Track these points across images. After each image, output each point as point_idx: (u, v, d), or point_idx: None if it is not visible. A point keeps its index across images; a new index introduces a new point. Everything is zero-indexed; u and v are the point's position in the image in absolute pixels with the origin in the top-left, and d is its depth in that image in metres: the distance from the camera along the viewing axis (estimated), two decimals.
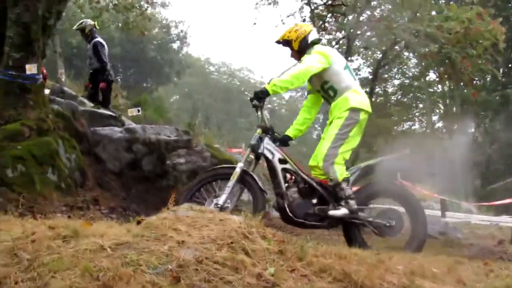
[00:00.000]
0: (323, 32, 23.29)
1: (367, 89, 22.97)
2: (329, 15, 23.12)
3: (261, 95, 7.46)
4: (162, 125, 14.62)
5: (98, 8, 21.75)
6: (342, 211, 7.48)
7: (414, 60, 31.42)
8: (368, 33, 23.32)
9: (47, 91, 12.96)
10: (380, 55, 24.27)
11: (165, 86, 52.57)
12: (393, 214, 7.81)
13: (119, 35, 38.34)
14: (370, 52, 28.47)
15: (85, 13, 24.51)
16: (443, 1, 27.26)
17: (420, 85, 35.88)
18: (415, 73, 34.44)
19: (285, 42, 8.10)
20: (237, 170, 7.55)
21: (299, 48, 7.95)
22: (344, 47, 23.19)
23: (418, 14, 19.55)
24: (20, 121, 10.29)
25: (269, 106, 8.07)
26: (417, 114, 41.33)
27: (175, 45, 51.48)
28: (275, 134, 8.08)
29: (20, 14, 10.93)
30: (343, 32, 23.05)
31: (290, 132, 8.29)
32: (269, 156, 7.72)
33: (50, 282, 4.09)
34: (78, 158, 10.96)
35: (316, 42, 8.09)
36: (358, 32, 22.61)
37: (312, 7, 22.99)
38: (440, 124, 40.99)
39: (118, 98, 22.91)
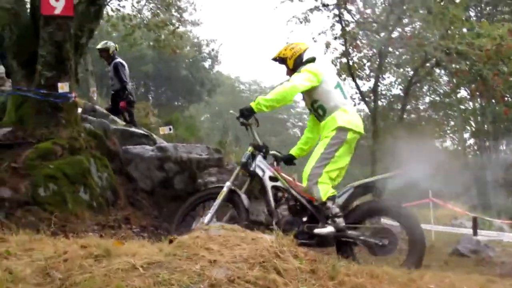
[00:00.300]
0: (355, 50, 23.26)
1: (399, 106, 22.90)
2: (360, 32, 23.06)
3: (246, 113, 7.58)
4: (193, 144, 14.64)
5: (130, 26, 21.88)
6: (328, 229, 7.43)
7: (445, 78, 31.28)
8: (400, 51, 23.24)
9: (79, 110, 13.05)
10: (412, 73, 24.16)
11: (196, 105, 52.69)
12: (387, 233, 7.69)
13: (151, 53, 38.54)
14: (401, 70, 28.37)
15: (117, 32, 24.68)
16: (474, 18, 27.17)
17: (451, 102, 35.71)
18: (447, 90, 34.28)
19: (281, 59, 8.17)
20: (224, 190, 7.71)
21: (294, 66, 8.00)
22: (376, 64, 23.12)
23: (449, 31, 19.49)
24: (52, 140, 10.38)
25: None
26: (448, 131, 41.17)
27: (207, 64, 51.65)
28: (277, 153, 8.28)
29: (53, 33, 11.03)
30: (374, 49, 23.00)
31: (293, 151, 8.35)
32: (260, 173, 7.81)
33: None
34: (110, 177, 11.01)
35: (311, 60, 8.08)
36: (390, 49, 22.54)
37: (343, 25, 22.95)
38: (471, 141, 40.80)
39: (149, 116, 23.02)
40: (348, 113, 7.66)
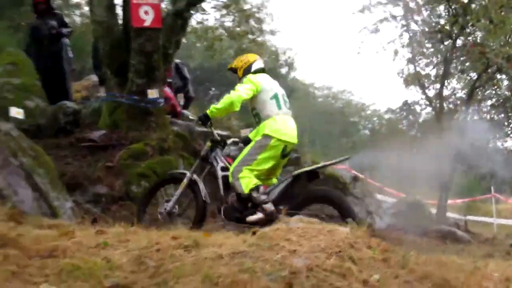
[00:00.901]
0: (421, 57, 23.09)
1: (463, 108, 22.64)
2: (426, 41, 22.89)
3: (204, 119, 7.95)
4: None
5: (213, 37, 22.05)
6: (257, 216, 7.61)
7: (506, 82, 30.81)
8: (463, 58, 22.98)
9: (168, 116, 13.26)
10: (475, 77, 23.81)
11: None
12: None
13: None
14: (465, 75, 28.05)
15: (201, 43, 24.89)
16: None
17: None
18: (507, 94, 33.75)
19: (233, 69, 8.54)
20: (184, 181, 8.16)
21: (243, 75, 8.26)
22: (440, 71, 22.90)
23: (509, 39, 19.17)
24: (143, 142, 10.56)
25: None
26: (509, 132, 40.44)
27: (283, 71, 51.66)
28: (236, 139, 8.81)
29: (143, 44, 11.23)
30: (439, 56, 22.80)
31: (251, 134, 8.46)
32: (214, 164, 8.19)
33: (174, 287, 4.18)
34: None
35: (259, 71, 8.35)
36: (454, 56, 22.32)
37: (411, 34, 22.83)
38: None
39: (231, 119, 23.11)
40: (277, 123, 7.86)
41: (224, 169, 8.08)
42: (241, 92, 7.78)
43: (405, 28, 22.76)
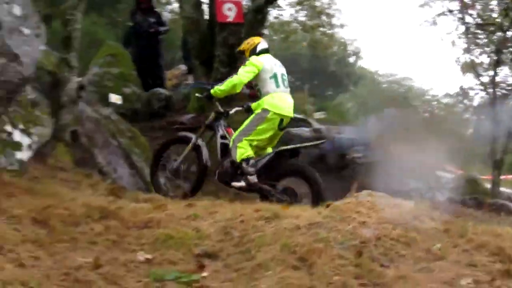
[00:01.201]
0: (476, 47, 22.85)
1: None
2: (481, 32, 22.63)
3: (208, 97, 8.19)
4: (342, 127, 14.57)
5: (288, 31, 22.11)
6: (240, 184, 7.81)
7: None
8: None
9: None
10: None
11: (343, 95, 52.53)
12: (292, 192, 7.88)
13: (306, 52, 38.70)
14: None
15: (278, 36, 24.93)
16: None
17: None
18: None
19: (241, 52, 8.58)
20: (190, 145, 8.22)
21: (250, 56, 8.30)
22: (493, 59, 22.61)
23: None
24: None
25: None
26: None
27: (351, 60, 51.36)
28: (239, 108, 8.54)
29: (227, 37, 11.38)
30: (492, 46, 22.53)
31: (252, 105, 8.44)
32: (216, 132, 8.29)
33: (256, 255, 4.22)
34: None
35: (263, 51, 8.40)
36: (505, 46, 21.99)
37: (466, 26, 22.62)
38: None
39: (306, 104, 23.12)
40: (275, 98, 7.97)
41: (223, 137, 8.23)
42: (243, 76, 7.94)
43: (460, 21, 22.49)
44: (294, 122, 13.46)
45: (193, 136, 8.36)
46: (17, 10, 6.06)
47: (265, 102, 7.93)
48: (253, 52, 8.33)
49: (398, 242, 4.45)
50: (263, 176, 7.83)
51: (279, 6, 20.94)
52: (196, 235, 4.58)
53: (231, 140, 7.98)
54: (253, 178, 7.78)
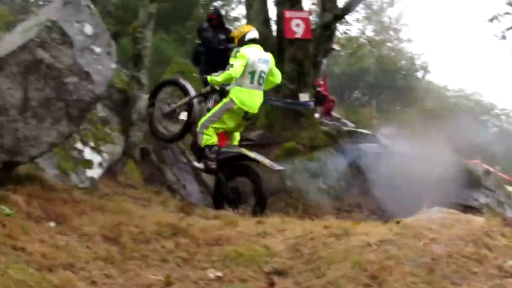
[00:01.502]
0: None
1: None
2: None
3: (204, 81, 8.73)
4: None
5: (356, 46, 22.08)
6: (198, 165, 8.38)
7: None
8: None
9: (316, 115, 13.28)
10: None
11: (410, 109, 52.00)
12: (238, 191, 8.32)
13: (373, 66, 38.53)
14: None
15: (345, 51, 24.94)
16: None
17: None
18: None
19: (232, 38, 8.84)
20: (186, 99, 8.72)
21: (238, 44, 8.52)
22: None
23: None
24: (296, 140, 10.63)
25: None
26: None
27: (419, 74, 50.84)
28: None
29: (295, 53, 11.36)
30: None
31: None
32: (207, 102, 8.64)
33: (326, 272, 4.18)
34: (343, 169, 11.07)
35: (252, 41, 8.55)
36: None
37: None
38: None
39: (373, 119, 23.00)
40: (243, 93, 8.27)
41: (209, 110, 8.52)
42: (237, 69, 8.11)
43: None
44: (363, 136, 13.42)
45: (191, 93, 8.78)
46: (88, 29, 6.18)
47: (234, 93, 8.26)
48: (242, 40, 8.57)
49: (469, 259, 4.32)
50: (220, 167, 8.21)
51: (346, 22, 20.97)
52: (266, 252, 4.57)
53: (198, 124, 8.34)
54: (211, 164, 8.20)
